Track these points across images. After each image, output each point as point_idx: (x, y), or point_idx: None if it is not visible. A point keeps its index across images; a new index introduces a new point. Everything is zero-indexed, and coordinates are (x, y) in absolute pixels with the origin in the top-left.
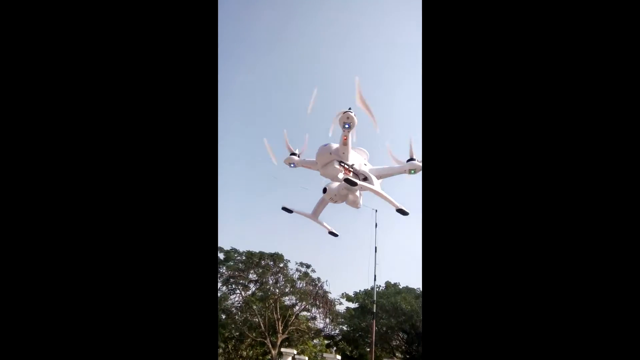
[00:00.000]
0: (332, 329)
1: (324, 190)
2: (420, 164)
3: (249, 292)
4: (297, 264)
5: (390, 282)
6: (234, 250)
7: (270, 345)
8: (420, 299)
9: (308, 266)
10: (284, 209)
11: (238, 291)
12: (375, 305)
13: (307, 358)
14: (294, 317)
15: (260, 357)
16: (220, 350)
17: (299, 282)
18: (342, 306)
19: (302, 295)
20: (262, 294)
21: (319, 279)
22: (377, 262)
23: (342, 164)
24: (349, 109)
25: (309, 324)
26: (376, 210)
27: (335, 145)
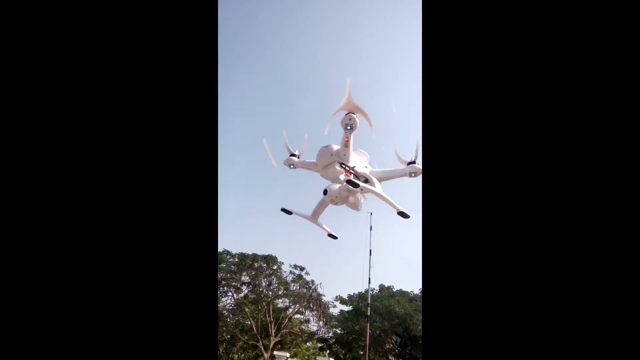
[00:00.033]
0: (325, 332)
1: (325, 192)
2: (421, 167)
3: (242, 295)
4: (291, 266)
5: (384, 285)
6: (227, 252)
7: (262, 349)
8: (414, 302)
9: (302, 268)
10: (283, 210)
11: (230, 294)
12: (369, 309)
13: None
14: (287, 320)
15: None
16: None
17: (292, 284)
18: (336, 309)
19: (295, 298)
20: (254, 296)
21: (313, 281)
22: (371, 265)
23: (343, 166)
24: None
25: (302, 326)
26: (371, 213)
27: (336, 147)
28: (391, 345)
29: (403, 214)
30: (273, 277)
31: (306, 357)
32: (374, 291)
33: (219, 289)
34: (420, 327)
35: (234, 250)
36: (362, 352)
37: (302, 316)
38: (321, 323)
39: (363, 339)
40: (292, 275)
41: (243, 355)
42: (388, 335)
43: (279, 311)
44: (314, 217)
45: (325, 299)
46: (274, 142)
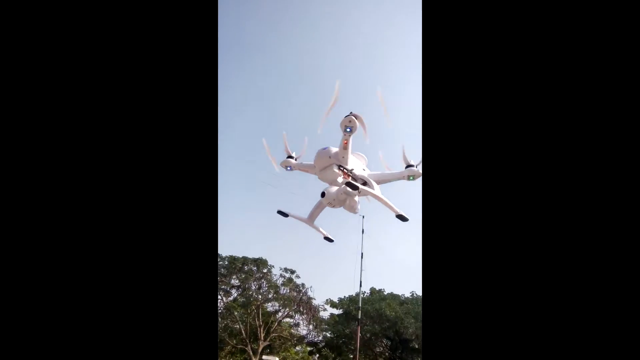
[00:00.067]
0: (315, 336)
1: (323, 195)
2: (419, 170)
3: (231, 298)
4: (281, 269)
5: (375, 289)
6: None
7: (251, 353)
8: (405, 305)
9: (293, 272)
10: (280, 212)
11: (219, 297)
12: (360, 312)
13: None
14: (276, 323)
15: None
16: None
17: (282, 288)
18: (326, 312)
19: (285, 302)
20: (244, 300)
21: (303, 284)
22: (363, 268)
23: (342, 168)
24: (350, 112)
25: (292, 330)
26: (363, 217)
27: (334, 149)
28: (381, 349)
29: (401, 217)
30: (263, 280)
31: None
32: (365, 294)
33: None
34: (410, 331)
35: (224, 253)
36: (352, 356)
37: (291, 320)
38: (311, 327)
39: (353, 342)
40: (283, 279)
41: (232, 359)
42: (378, 339)
43: (269, 315)
44: (311, 219)
45: (315, 302)
46: (273, 144)
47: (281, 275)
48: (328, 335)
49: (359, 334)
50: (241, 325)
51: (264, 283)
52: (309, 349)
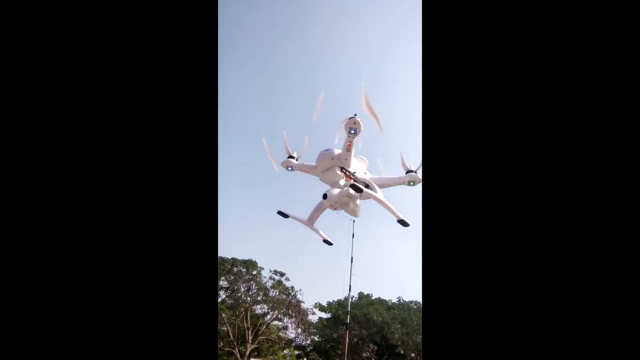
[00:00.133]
0: (303, 339)
1: (324, 196)
2: (420, 176)
3: (219, 300)
4: (271, 271)
5: (363, 293)
6: None
7: (238, 356)
8: (392, 310)
9: (282, 274)
10: (280, 213)
11: None
12: (349, 316)
13: None
14: (264, 326)
15: None
16: None
17: (272, 290)
18: (315, 316)
19: (274, 304)
20: (232, 301)
21: (292, 287)
22: (352, 272)
23: (344, 171)
24: (355, 114)
25: (280, 333)
26: (354, 221)
27: (337, 151)
28: (368, 354)
29: (403, 222)
30: (252, 282)
31: None
32: (353, 299)
33: None
34: (396, 336)
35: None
36: None
37: (280, 323)
38: (299, 330)
39: (341, 346)
40: (272, 281)
41: None
42: (365, 344)
43: (257, 317)
44: (310, 221)
45: (304, 305)
46: (273, 144)
47: (271, 278)
48: (316, 339)
49: (347, 339)
50: (229, 328)
51: (253, 285)
52: (296, 352)
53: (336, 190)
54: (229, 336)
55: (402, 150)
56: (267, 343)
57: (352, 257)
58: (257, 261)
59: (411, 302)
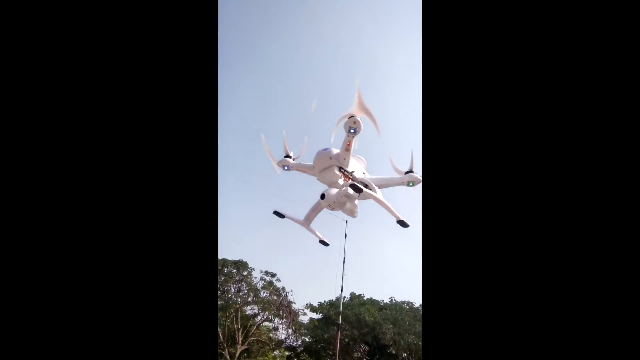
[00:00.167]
0: (294, 340)
1: (322, 196)
2: (419, 177)
3: None
4: (262, 272)
5: (354, 294)
6: None
7: (228, 357)
8: (384, 311)
9: (273, 275)
10: (276, 213)
11: None
12: (340, 317)
13: None
14: (255, 327)
15: None
16: None
17: (262, 291)
18: (306, 317)
19: (265, 305)
20: (222, 302)
21: (283, 288)
22: (344, 273)
23: (342, 170)
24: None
25: (271, 334)
26: (346, 221)
27: (335, 151)
28: (359, 354)
29: (402, 223)
30: (243, 283)
31: None
32: (345, 299)
33: None
34: (388, 336)
35: None
36: None
37: (271, 324)
38: (290, 331)
39: (332, 347)
40: (263, 282)
41: None
42: (357, 344)
43: (247, 318)
44: (307, 222)
45: (295, 306)
46: (272, 144)
47: (261, 279)
48: (307, 340)
49: (339, 339)
50: (219, 329)
51: (244, 286)
52: (287, 353)
53: (334, 190)
54: (219, 337)
55: (392, 153)
56: (258, 344)
57: (344, 258)
58: (247, 262)
59: (403, 302)
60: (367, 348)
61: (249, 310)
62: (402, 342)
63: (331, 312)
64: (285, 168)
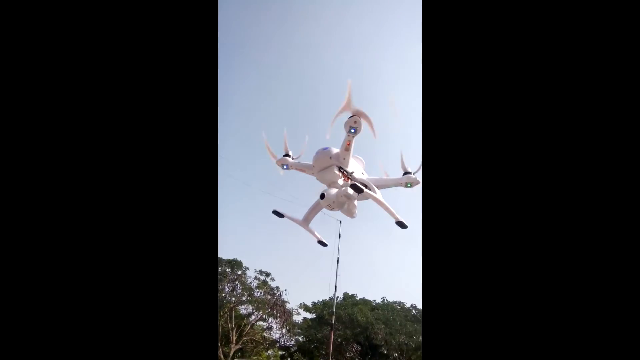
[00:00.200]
0: (287, 340)
1: (322, 196)
2: (417, 178)
3: None
4: (256, 271)
5: (347, 294)
6: None
7: (222, 356)
8: (376, 311)
9: (268, 274)
10: (275, 212)
11: None
12: (334, 317)
13: None
14: (249, 326)
15: None
16: None
17: (257, 290)
18: (300, 316)
19: (259, 305)
20: None
21: (278, 287)
22: (338, 273)
23: (342, 170)
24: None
25: (265, 334)
26: (340, 221)
27: (335, 150)
28: (351, 354)
29: (401, 224)
30: (237, 282)
31: None
32: (338, 299)
33: None
34: (380, 336)
35: None
36: None
37: (264, 323)
38: (284, 330)
39: (325, 347)
40: (257, 281)
41: None
42: (349, 344)
43: (241, 318)
44: (306, 222)
45: (289, 306)
46: (272, 145)
47: (256, 278)
48: (300, 339)
49: (332, 339)
50: None
51: (238, 285)
52: (280, 353)
53: (334, 190)
54: None
55: (402, 151)
56: (251, 343)
57: (338, 258)
58: (242, 261)
59: (395, 302)
60: (359, 348)
61: (243, 309)
62: (393, 342)
63: (324, 312)
64: (284, 167)
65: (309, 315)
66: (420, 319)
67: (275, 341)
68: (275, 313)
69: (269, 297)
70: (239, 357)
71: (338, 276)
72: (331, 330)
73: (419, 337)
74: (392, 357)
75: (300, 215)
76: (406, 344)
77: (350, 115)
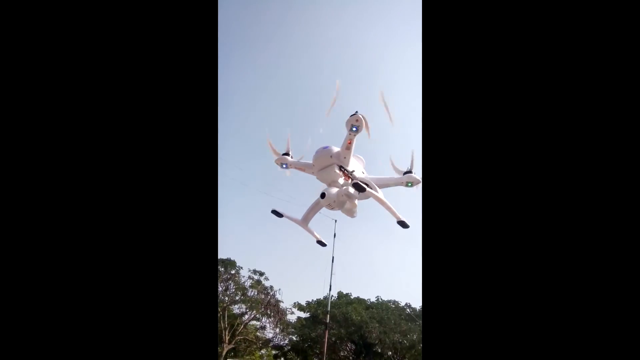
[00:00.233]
0: (281, 339)
1: (322, 195)
2: (418, 177)
3: None
4: (250, 270)
5: (342, 292)
6: None
7: None
8: (370, 310)
9: (262, 274)
10: (274, 212)
11: None
12: (328, 316)
13: None
14: (242, 326)
15: None
16: None
17: (250, 290)
18: (294, 316)
19: (253, 304)
20: None
21: (272, 287)
22: (334, 272)
23: (343, 169)
24: (356, 111)
25: (258, 333)
26: (335, 221)
27: (336, 149)
28: (345, 353)
29: (403, 224)
30: (231, 281)
31: None
32: (332, 298)
33: None
34: (374, 335)
35: None
36: None
37: (258, 323)
38: (277, 330)
39: (319, 346)
40: (251, 280)
41: None
42: (343, 343)
43: (235, 317)
44: (305, 221)
45: (283, 305)
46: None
47: (249, 277)
48: (294, 338)
49: (326, 338)
50: None
51: (232, 284)
52: (274, 352)
53: (334, 190)
54: None
55: (387, 153)
56: (245, 343)
57: (332, 257)
58: (235, 260)
59: (389, 301)
60: (353, 347)
61: (236, 309)
62: (387, 340)
63: (319, 311)
64: (283, 166)
65: (303, 315)
66: (415, 317)
67: (268, 340)
68: (268, 312)
69: (263, 296)
70: (231, 357)
71: (333, 275)
72: (325, 329)
73: (413, 335)
74: (386, 356)
75: (298, 215)
76: (400, 343)
77: (352, 113)
